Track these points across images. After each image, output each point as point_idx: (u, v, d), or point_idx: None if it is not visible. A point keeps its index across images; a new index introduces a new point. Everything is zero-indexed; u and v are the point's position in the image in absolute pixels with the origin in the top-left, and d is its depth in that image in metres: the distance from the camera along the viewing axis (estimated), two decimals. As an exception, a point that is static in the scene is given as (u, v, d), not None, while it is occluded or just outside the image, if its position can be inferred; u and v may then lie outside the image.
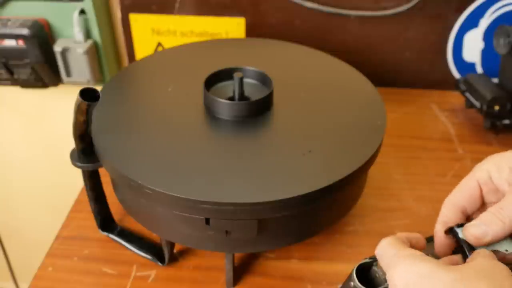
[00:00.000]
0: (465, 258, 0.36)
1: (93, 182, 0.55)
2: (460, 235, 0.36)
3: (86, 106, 0.45)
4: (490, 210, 0.35)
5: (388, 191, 0.67)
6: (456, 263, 0.36)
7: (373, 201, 0.65)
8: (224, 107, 0.54)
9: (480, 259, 0.32)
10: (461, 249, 0.36)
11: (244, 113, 0.54)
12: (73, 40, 0.82)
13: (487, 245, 0.35)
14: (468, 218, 0.40)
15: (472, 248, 0.35)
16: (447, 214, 0.39)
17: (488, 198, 0.39)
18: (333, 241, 0.60)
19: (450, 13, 0.82)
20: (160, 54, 0.70)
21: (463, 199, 0.39)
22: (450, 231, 0.38)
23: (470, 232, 0.35)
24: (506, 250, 0.35)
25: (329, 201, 0.50)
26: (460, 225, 0.37)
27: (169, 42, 0.86)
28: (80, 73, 0.84)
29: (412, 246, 0.36)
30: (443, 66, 0.87)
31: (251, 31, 0.84)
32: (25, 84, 0.86)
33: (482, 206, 0.40)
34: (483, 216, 0.35)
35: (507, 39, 0.73)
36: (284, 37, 0.76)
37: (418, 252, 0.33)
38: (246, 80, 0.57)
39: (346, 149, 0.51)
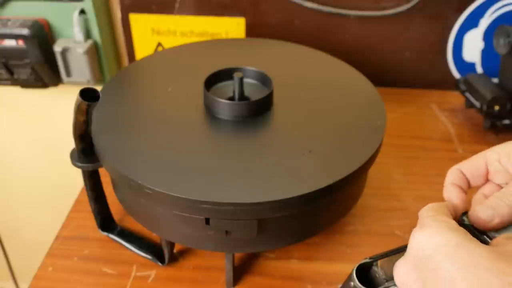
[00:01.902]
0: None
1: (93, 182, 0.55)
2: (466, 221, 0.36)
3: (86, 106, 0.45)
4: (496, 195, 0.36)
5: (388, 191, 0.67)
6: None
7: (373, 201, 0.65)
8: (224, 107, 0.54)
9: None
10: (472, 234, 0.36)
11: (244, 113, 0.54)
12: (73, 40, 0.82)
13: (495, 229, 0.35)
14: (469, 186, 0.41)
15: (483, 233, 0.35)
16: (454, 177, 0.40)
17: (496, 178, 0.40)
18: (333, 241, 0.60)
19: (450, 13, 0.82)
20: (160, 54, 0.70)
21: (468, 171, 0.40)
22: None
23: (477, 216, 0.35)
24: None
25: (329, 201, 0.50)
26: (464, 213, 0.37)
27: (169, 42, 0.86)
28: (80, 73, 0.84)
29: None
30: (443, 66, 0.87)
31: (251, 31, 0.84)
32: (25, 84, 0.86)
33: (484, 185, 0.40)
34: (489, 201, 0.36)
35: (507, 39, 0.73)
36: (284, 37, 0.76)
37: (454, 223, 0.33)
38: (246, 80, 0.57)
39: (346, 149, 0.51)
